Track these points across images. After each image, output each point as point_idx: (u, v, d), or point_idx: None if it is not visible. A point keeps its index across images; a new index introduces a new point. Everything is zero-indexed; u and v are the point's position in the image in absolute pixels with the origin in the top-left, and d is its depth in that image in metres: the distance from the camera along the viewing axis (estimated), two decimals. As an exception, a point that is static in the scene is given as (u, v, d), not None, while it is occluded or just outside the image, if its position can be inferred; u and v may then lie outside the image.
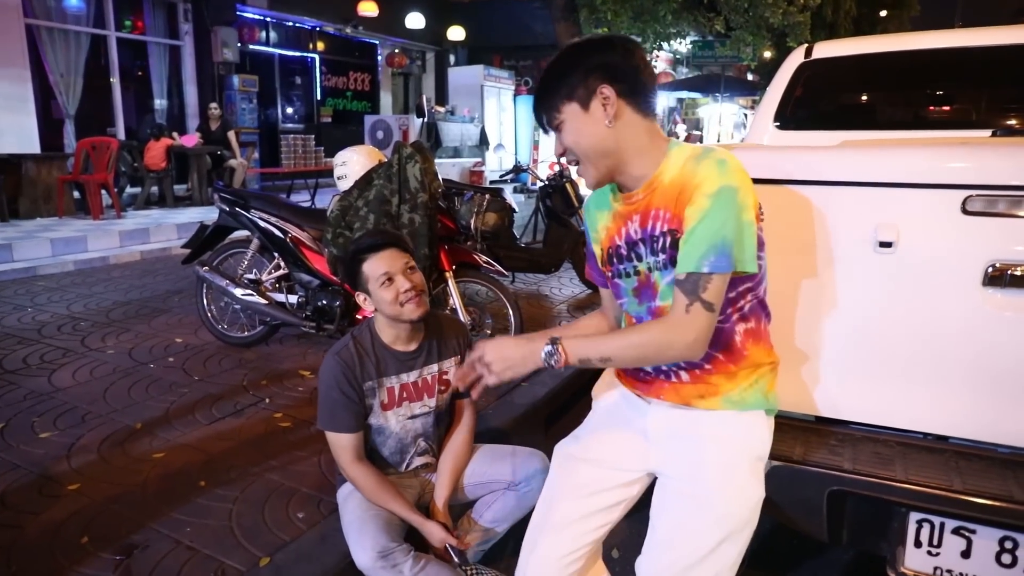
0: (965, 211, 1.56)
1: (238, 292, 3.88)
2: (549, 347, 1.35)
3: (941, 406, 1.65)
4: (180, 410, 3.22)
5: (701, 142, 18.11)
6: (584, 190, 4.64)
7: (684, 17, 10.13)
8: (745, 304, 1.43)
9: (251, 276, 4.00)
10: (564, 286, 5.87)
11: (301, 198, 9.43)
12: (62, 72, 9.64)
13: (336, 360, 1.98)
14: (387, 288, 1.92)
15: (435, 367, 2.09)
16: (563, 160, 1.49)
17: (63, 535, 2.22)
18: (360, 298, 1.99)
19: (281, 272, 3.98)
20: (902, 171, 1.63)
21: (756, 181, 1.73)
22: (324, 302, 3.75)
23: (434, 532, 1.93)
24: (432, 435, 2.15)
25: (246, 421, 3.12)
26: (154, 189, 9.86)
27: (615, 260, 1.51)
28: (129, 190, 9.84)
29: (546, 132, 1.47)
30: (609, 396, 1.69)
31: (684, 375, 1.46)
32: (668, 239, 1.36)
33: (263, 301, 3.87)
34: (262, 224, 3.87)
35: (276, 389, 3.50)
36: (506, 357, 1.39)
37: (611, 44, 1.38)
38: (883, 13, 21.01)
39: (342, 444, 1.98)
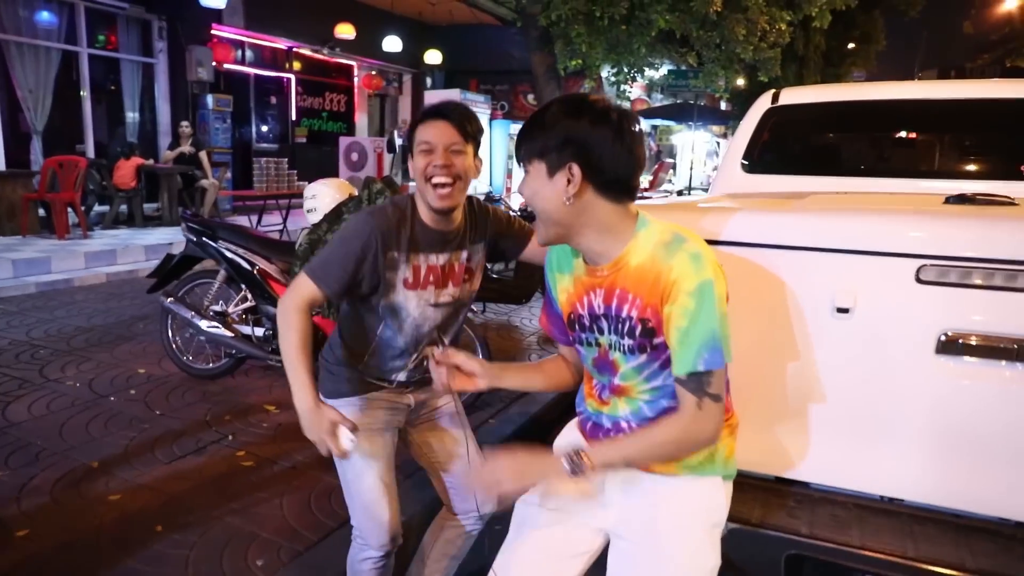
0: (919, 280, 1.60)
1: (203, 324, 3.82)
2: (573, 458, 1.35)
3: (896, 469, 1.68)
4: (140, 447, 3.15)
5: (675, 170, 18.39)
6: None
7: (658, 50, 10.33)
8: None
9: (217, 308, 3.95)
10: (535, 317, 5.89)
11: (274, 220, 9.38)
12: (31, 88, 9.49)
13: (369, 218, 1.77)
14: (423, 157, 1.73)
15: (464, 254, 1.87)
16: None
17: (10, 586, 2.16)
18: (411, 162, 1.80)
19: (248, 304, 3.94)
20: (858, 238, 1.67)
21: (717, 243, 1.77)
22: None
23: (324, 420, 1.65)
24: (447, 328, 1.92)
25: (208, 459, 3.07)
26: (123, 208, 9.72)
27: (577, 327, 1.50)
28: (97, 208, 9.68)
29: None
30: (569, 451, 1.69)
31: None
32: (639, 327, 1.36)
33: (229, 334, 3.82)
34: (229, 255, 3.83)
35: (240, 425, 3.45)
36: (522, 472, 1.40)
37: (605, 119, 1.32)
38: (851, 46, 21.57)
39: (305, 291, 1.74)
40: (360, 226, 1.77)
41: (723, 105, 20.68)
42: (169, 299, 3.95)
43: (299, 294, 1.74)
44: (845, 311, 1.66)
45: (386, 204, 1.83)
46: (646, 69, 10.98)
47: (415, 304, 1.82)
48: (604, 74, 11.27)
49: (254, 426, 3.44)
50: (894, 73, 33.43)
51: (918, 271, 1.60)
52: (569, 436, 1.71)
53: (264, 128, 13.77)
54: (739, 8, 9.36)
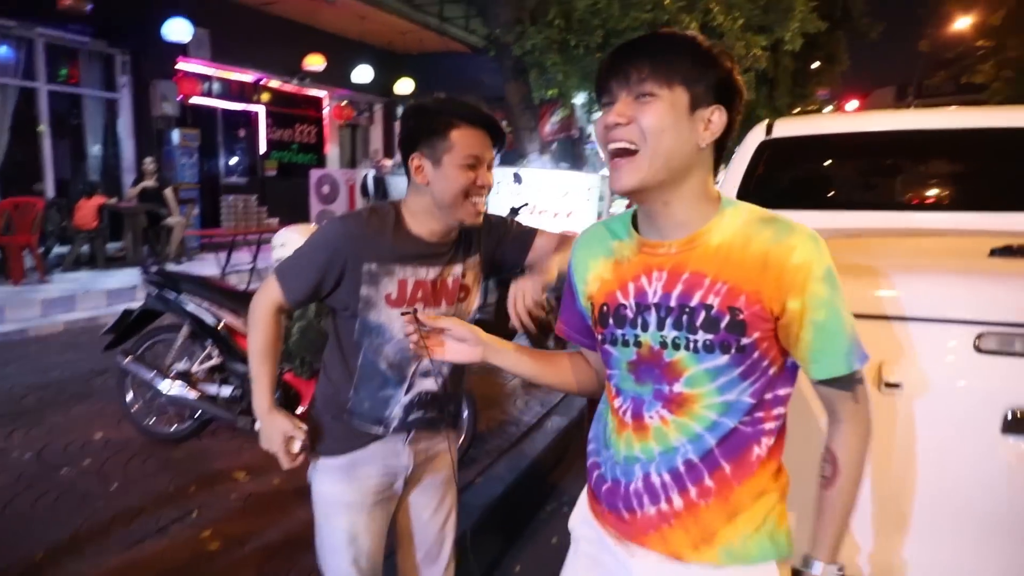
0: (978, 349, 1.41)
1: (164, 385, 3.52)
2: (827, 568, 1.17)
3: (959, 565, 1.47)
4: (92, 531, 2.84)
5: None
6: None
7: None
8: (779, 415, 1.18)
9: (180, 366, 3.66)
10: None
11: (244, 257, 9.05)
12: (-15, 126, 9.13)
13: (339, 224, 1.58)
14: (466, 172, 1.53)
15: (458, 268, 1.67)
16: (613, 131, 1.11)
17: None
18: (414, 162, 1.57)
19: (214, 362, 3.65)
20: (905, 302, 1.47)
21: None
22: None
23: (276, 428, 1.57)
24: None
25: (169, 543, 2.77)
26: (85, 249, 9.33)
27: (612, 322, 1.21)
28: (57, 250, 9.28)
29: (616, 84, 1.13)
30: (588, 533, 1.41)
31: (676, 498, 1.18)
32: (724, 319, 1.09)
33: (193, 395, 3.52)
34: (192, 309, 3.55)
35: (206, 497, 3.15)
36: None
37: (735, 79, 1.14)
38: (816, 65, 21.90)
39: (273, 294, 1.59)
40: (328, 234, 1.58)
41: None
42: (127, 358, 3.65)
43: (267, 295, 1.61)
44: (894, 386, 1.46)
45: (363, 210, 1.62)
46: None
47: (399, 325, 1.55)
48: (579, 102, 11.17)
49: (222, 498, 3.14)
50: (854, 92, 34.12)
51: (977, 340, 1.40)
52: (582, 509, 1.44)
53: (233, 162, 13.44)
54: (715, 34, 9.34)
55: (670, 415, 1.16)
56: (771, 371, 1.13)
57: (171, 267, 7.18)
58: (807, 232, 1.09)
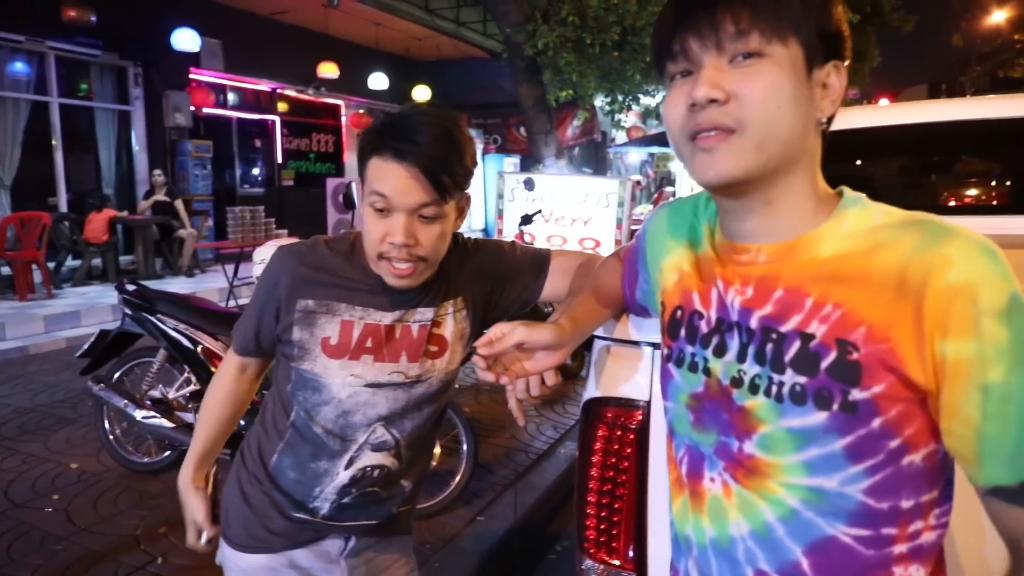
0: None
1: (139, 414, 3.25)
2: None
3: None
4: (45, 582, 2.57)
5: (674, 197, 17.91)
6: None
7: (653, 76, 9.90)
8: (927, 526, 0.76)
9: (156, 393, 3.39)
10: (532, 373, 5.30)
11: (258, 270, 8.84)
12: (-3, 141, 9.07)
13: (277, 253, 1.26)
14: (374, 217, 1.13)
15: (428, 312, 1.25)
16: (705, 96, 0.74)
17: None
18: (357, 184, 1.23)
19: (193, 388, 3.38)
20: None
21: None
22: (242, 423, 3.14)
23: (188, 510, 1.36)
24: (401, 427, 1.27)
25: (126, 595, 2.48)
26: (97, 262, 9.22)
27: (683, 334, 0.88)
28: (69, 263, 9.19)
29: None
30: None
31: None
32: (830, 356, 0.73)
33: (169, 424, 3.24)
34: (170, 332, 3.28)
35: (175, 538, 2.86)
36: None
37: (844, 24, 0.79)
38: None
39: (230, 358, 1.36)
40: (268, 267, 1.25)
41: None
42: (99, 385, 3.39)
43: (227, 363, 1.37)
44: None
45: (312, 239, 1.26)
46: (641, 97, 10.47)
47: (340, 381, 1.21)
48: (598, 103, 10.81)
49: (193, 540, 2.86)
50: (884, 91, 33.29)
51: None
52: None
53: (249, 172, 13.33)
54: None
55: (735, 483, 0.80)
56: (906, 459, 0.72)
57: (151, 283, 6.99)
58: (976, 239, 0.69)
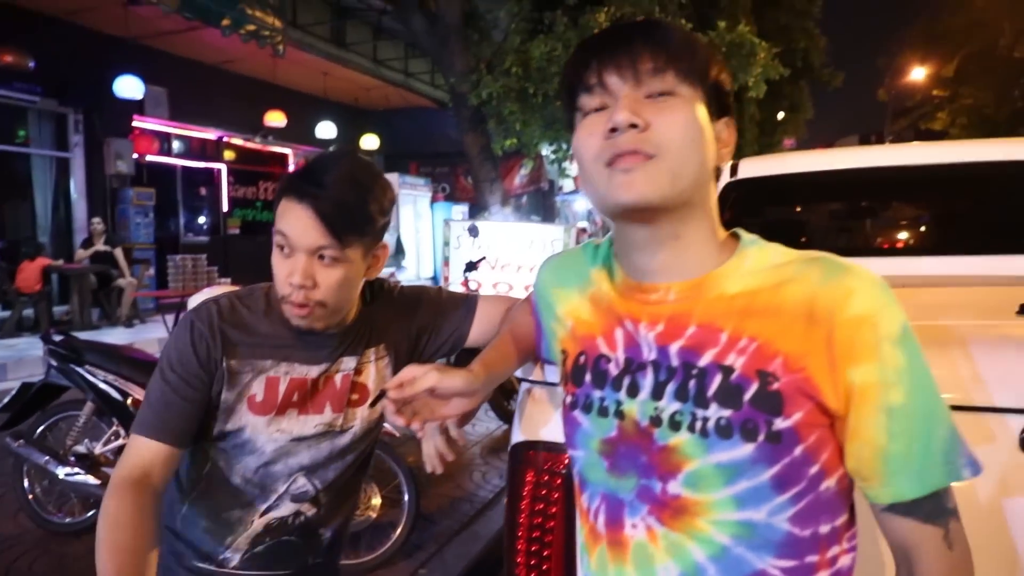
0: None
1: (62, 471, 3.11)
2: None
3: None
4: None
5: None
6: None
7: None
8: (842, 550, 0.80)
9: (81, 448, 3.24)
10: (478, 421, 5.26)
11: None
12: (-75, 189, 8.74)
13: (187, 321, 1.18)
14: (280, 258, 1.13)
15: (351, 362, 1.25)
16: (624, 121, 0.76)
17: None
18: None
19: (122, 441, 3.25)
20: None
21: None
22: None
23: None
24: (323, 475, 1.26)
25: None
26: (28, 312, 8.86)
27: (588, 379, 0.88)
28: (0, 313, 8.82)
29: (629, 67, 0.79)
30: None
31: None
32: (752, 388, 0.75)
33: (95, 481, 3.10)
34: (99, 384, 3.16)
35: (99, 604, 2.70)
36: None
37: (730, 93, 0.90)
38: (781, 115, 22.29)
39: (144, 455, 1.10)
40: (172, 341, 1.17)
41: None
42: (19, 441, 3.23)
43: (133, 464, 1.10)
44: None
45: (222, 296, 1.23)
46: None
47: (266, 436, 1.19)
48: (544, 152, 11.05)
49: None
50: (819, 141, 34.94)
51: (1025, 435, 1.08)
52: None
53: (194, 220, 13.12)
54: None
55: (660, 526, 0.80)
56: (824, 484, 0.76)
57: (86, 334, 6.76)
58: (868, 275, 0.76)
